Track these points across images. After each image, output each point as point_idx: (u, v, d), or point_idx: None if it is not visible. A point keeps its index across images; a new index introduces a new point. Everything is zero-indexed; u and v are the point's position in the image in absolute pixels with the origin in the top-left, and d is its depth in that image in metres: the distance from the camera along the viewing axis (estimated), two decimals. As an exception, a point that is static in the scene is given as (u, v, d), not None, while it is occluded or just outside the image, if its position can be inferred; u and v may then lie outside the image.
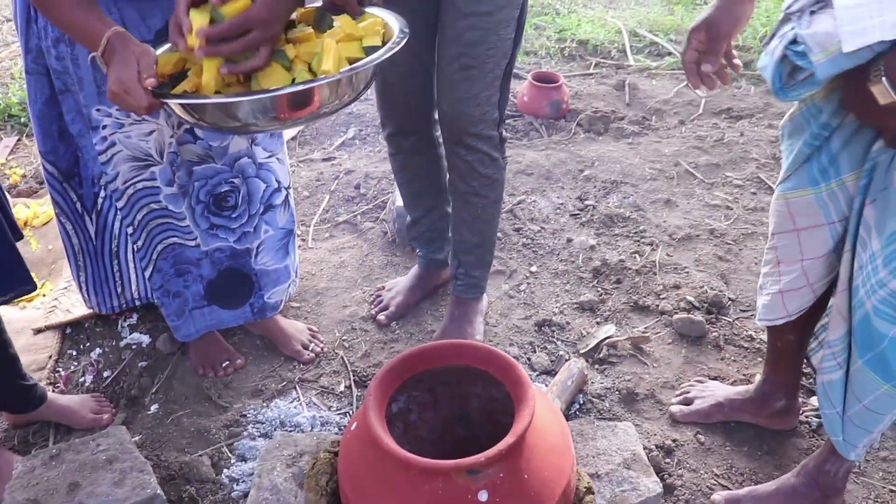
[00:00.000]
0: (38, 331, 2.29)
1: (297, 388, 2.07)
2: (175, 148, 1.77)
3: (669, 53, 3.91)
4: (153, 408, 2.04)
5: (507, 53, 1.83)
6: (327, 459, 1.51)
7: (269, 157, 1.95)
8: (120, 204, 1.81)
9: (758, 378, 1.89)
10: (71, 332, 2.29)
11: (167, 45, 1.45)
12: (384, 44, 1.39)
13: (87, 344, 2.25)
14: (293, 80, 1.33)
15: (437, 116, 2.00)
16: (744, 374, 2.05)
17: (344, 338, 2.24)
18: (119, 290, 2.06)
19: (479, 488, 1.23)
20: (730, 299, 2.30)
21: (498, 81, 1.85)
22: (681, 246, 2.55)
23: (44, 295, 2.47)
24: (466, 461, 1.20)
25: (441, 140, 2.05)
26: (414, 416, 1.66)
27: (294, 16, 1.45)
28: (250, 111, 1.30)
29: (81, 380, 2.16)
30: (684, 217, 2.69)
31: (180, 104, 1.32)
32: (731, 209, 2.73)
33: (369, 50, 1.37)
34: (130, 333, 2.27)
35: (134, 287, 2.06)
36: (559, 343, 2.17)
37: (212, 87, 1.32)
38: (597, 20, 4.22)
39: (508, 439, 1.23)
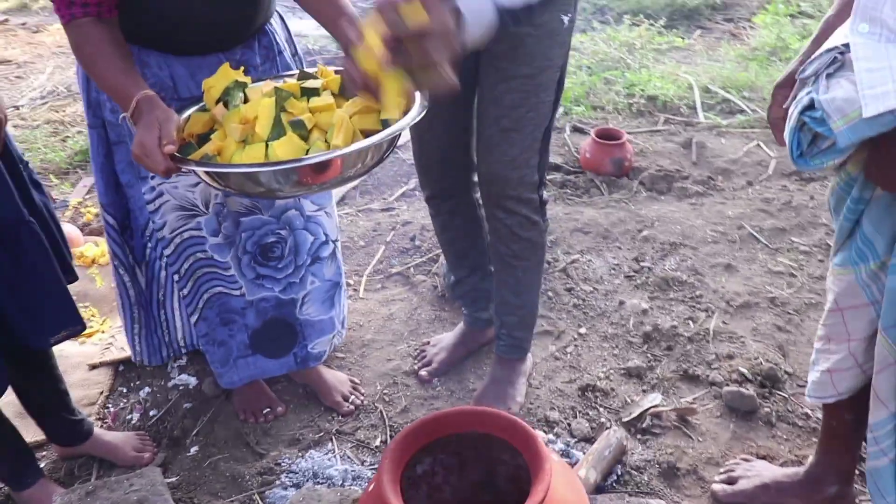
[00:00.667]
0: (93, 367, 2.37)
1: (334, 439, 2.07)
2: (221, 199, 1.82)
3: (741, 111, 3.83)
4: (193, 449, 2.07)
5: (546, 116, 1.83)
6: (345, 519, 1.50)
7: (318, 210, 1.98)
8: (167, 251, 1.86)
9: (810, 460, 1.79)
10: (123, 370, 2.35)
11: (199, 105, 1.50)
12: (405, 113, 1.40)
13: (137, 382, 2.31)
14: (307, 150, 1.35)
15: (476, 179, 2.01)
16: (796, 455, 1.95)
17: (385, 391, 2.23)
18: (166, 339, 2.10)
19: (487, 565, 1.19)
20: (786, 373, 2.20)
21: (537, 144, 1.85)
22: (738, 314, 2.46)
23: (102, 332, 2.56)
24: (472, 537, 1.17)
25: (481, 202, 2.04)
26: (439, 478, 1.63)
27: (319, 83, 1.48)
28: (268, 179, 1.33)
29: (129, 417, 2.21)
30: (744, 283, 2.59)
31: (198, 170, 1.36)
32: (795, 277, 2.63)
33: (385, 123, 1.38)
34: (179, 375, 2.32)
35: (180, 335, 2.10)
36: (601, 409, 2.11)
37: (233, 149, 1.35)
38: (668, 75, 4.17)
39: (518, 516, 1.19)
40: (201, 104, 1.53)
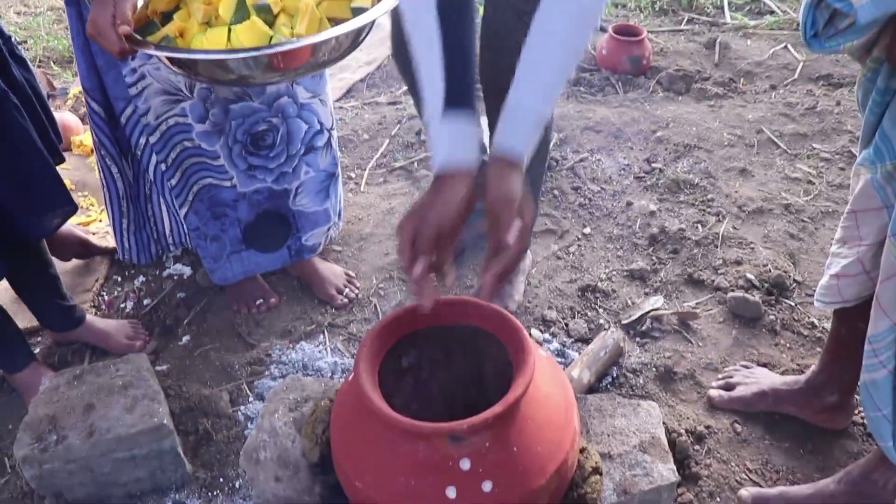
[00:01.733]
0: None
1: (326, 332, 2.04)
2: (208, 84, 1.71)
3: (771, 12, 3.62)
4: (185, 339, 2.05)
5: None
6: (327, 408, 1.47)
7: (312, 97, 1.88)
8: (153, 139, 1.77)
9: (812, 368, 1.73)
10: (118, 259, 2.31)
11: None
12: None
13: (132, 271, 2.28)
14: (270, 38, 1.27)
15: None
16: (797, 364, 1.89)
17: (380, 286, 2.18)
18: (155, 236, 2.04)
19: (462, 456, 1.15)
20: (795, 281, 2.12)
21: None
22: (749, 219, 2.36)
23: (100, 221, 2.51)
24: (447, 426, 1.13)
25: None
26: (425, 373, 1.59)
27: None
28: (236, 65, 1.25)
29: (123, 305, 2.18)
30: (759, 189, 2.49)
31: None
32: (813, 184, 2.52)
33: (356, 11, 1.31)
34: (173, 264, 2.28)
35: (168, 232, 2.03)
36: (601, 311, 2.05)
37: (195, 31, 1.27)
38: (696, -27, 3.94)
39: (496, 408, 1.15)
40: None
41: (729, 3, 3.70)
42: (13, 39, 1.72)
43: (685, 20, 3.60)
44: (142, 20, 1.31)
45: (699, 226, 2.33)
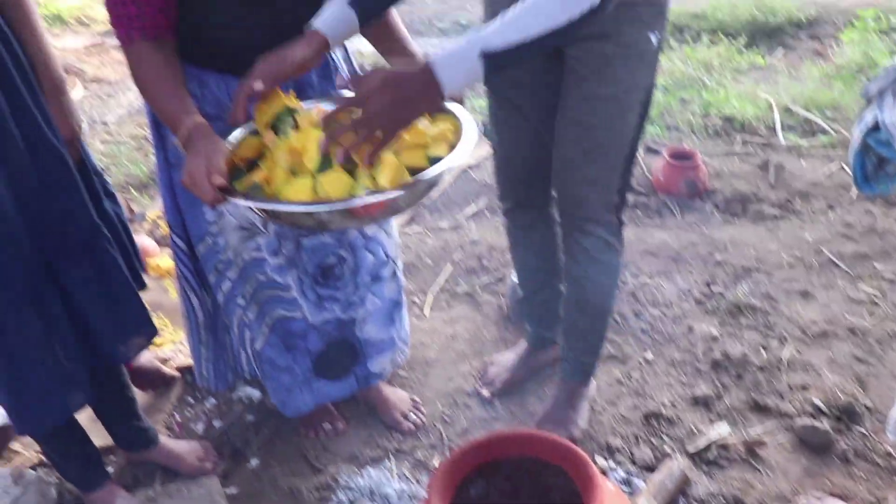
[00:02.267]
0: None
1: (392, 457, 2.07)
2: (288, 228, 1.82)
3: (824, 132, 3.69)
4: (253, 461, 2.10)
5: (630, 138, 1.77)
6: (396, 540, 1.49)
7: (378, 230, 1.98)
8: (231, 275, 1.87)
9: (890, 502, 1.69)
10: (192, 380, 2.40)
11: (248, 129, 1.51)
12: (453, 148, 1.40)
13: (204, 393, 2.36)
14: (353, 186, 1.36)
15: (554, 195, 1.97)
16: (874, 497, 1.85)
17: (445, 412, 2.22)
18: (231, 364, 2.10)
19: None
20: (865, 407, 2.09)
21: (619, 166, 1.79)
22: (814, 343, 2.35)
23: (174, 341, 2.63)
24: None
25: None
26: (493, 502, 1.61)
27: None
28: (317, 215, 1.35)
29: (194, 427, 2.26)
30: (821, 311, 2.49)
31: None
32: (878, 305, 2.50)
33: (433, 160, 1.38)
34: (243, 387, 2.36)
35: (244, 362, 2.09)
36: (666, 438, 2.05)
37: (281, 179, 1.37)
38: (746, 95, 4.06)
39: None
40: (252, 125, 1.55)
41: (781, 124, 3.78)
42: (104, 175, 1.87)
43: (738, 142, 3.69)
44: (228, 166, 1.40)
45: (762, 350, 2.33)
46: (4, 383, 1.59)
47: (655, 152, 3.55)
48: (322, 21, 1.49)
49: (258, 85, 1.40)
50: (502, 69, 1.32)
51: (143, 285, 1.90)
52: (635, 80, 1.69)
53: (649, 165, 3.42)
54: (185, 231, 1.87)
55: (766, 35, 4.93)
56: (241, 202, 1.36)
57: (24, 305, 1.57)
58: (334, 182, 1.34)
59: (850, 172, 1.82)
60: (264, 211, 1.41)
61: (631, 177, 1.88)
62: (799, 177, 3.32)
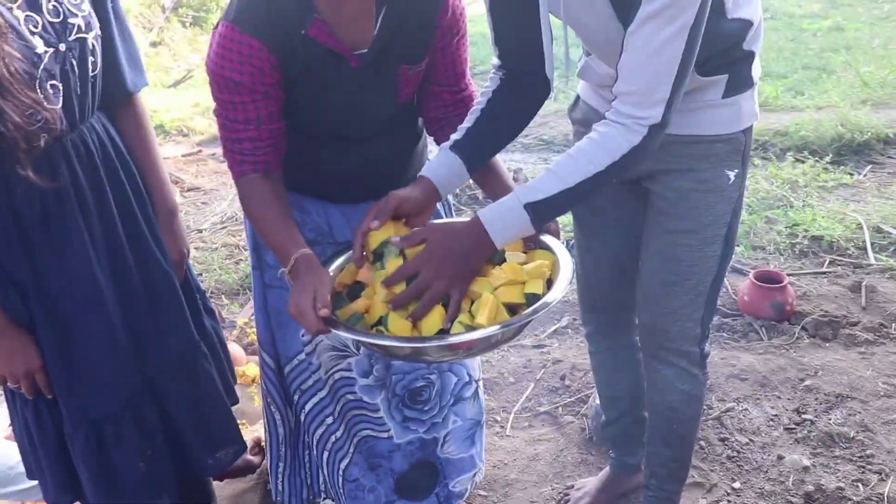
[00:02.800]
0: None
1: (472, 583, 2.05)
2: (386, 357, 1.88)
3: (917, 253, 3.60)
4: (333, 581, 2.11)
5: (712, 271, 1.79)
6: None
7: None
8: (322, 394, 1.93)
9: None
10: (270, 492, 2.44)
11: (348, 255, 1.59)
12: (550, 283, 1.45)
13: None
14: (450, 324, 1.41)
15: (637, 322, 2.00)
16: None
17: (526, 535, 2.20)
18: (308, 481, 2.14)
19: None
20: (974, 551, 1.97)
21: (702, 298, 1.81)
22: (915, 478, 2.25)
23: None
24: None
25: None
26: None
27: None
28: (414, 350, 1.41)
29: (271, 540, 2.29)
30: (923, 444, 2.38)
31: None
32: (984, 439, 2.39)
33: (530, 297, 1.43)
34: (320, 499, 2.38)
35: (321, 480, 2.12)
36: (757, 576, 1.97)
37: (380, 310, 1.44)
38: (834, 214, 4.01)
39: None
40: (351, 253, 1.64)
41: (872, 245, 3.71)
42: (205, 291, 1.99)
43: (826, 262, 3.62)
44: (331, 296, 1.47)
45: (860, 484, 2.23)
46: (98, 490, 1.68)
47: (741, 273, 3.52)
48: (430, 168, 1.61)
49: (375, 224, 1.49)
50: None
51: (235, 400, 1.99)
52: (715, 214, 1.73)
53: (735, 286, 3.39)
54: (274, 350, 1.96)
55: (852, 152, 4.88)
56: (345, 334, 1.43)
57: (124, 417, 1.68)
58: (430, 318, 1.40)
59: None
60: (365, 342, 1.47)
61: (714, 309, 1.89)
62: (892, 300, 3.23)
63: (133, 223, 1.68)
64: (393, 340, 1.40)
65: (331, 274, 1.53)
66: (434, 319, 1.40)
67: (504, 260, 1.49)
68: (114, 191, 1.63)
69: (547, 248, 1.55)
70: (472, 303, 1.44)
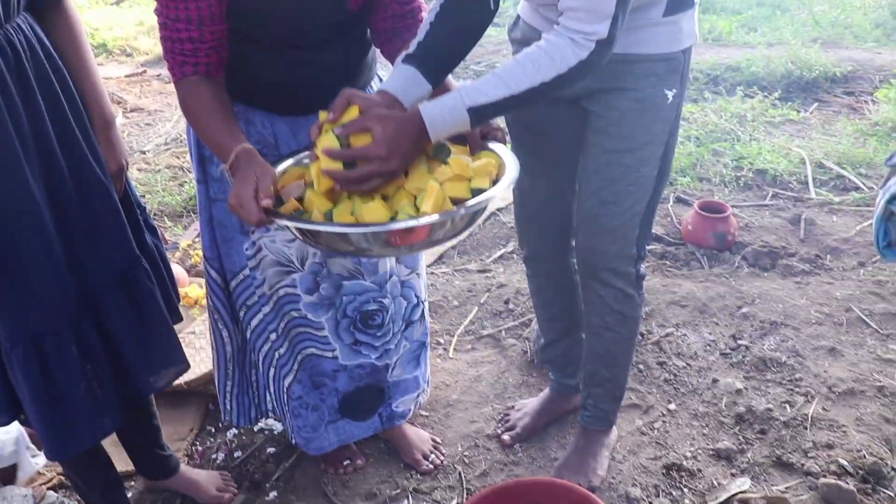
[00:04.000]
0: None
1: (410, 497, 2.08)
2: (321, 259, 1.86)
3: (856, 188, 3.67)
4: (272, 494, 2.12)
5: (648, 190, 1.80)
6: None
7: (410, 273, 2.01)
8: (266, 310, 1.91)
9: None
10: (213, 410, 2.44)
11: (292, 160, 1.58)
12: (495, 183, 1.43)
13: (225, 422, 2.39)
14: (396, 212, 1.40)
15: (574, 245, 2.00)
16: (897, 559, 1.82)
17: (465, 453, 2.22)
18: (255, 401, 2.13)
19: None
20: (893, 469, 2.06)
21: (638, 218, 1.83)
22: (841, 401, 2.33)
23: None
24: None
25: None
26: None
27: None
28: (357, 239, 1.38)
29: (214, 456, 2.28)
30: (849, 369, 2.46)
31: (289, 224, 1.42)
32: (908, 366, 2.48)
33: (476, 192, 1.42)
34: (266, 419, 2.38)
35: (268, 400, 2.11)
36: (686, 490, 2.03)
37: (315, 205, 1.41)
38: (779, 149, 4.06)
39: None
40: (297, 157, 1.60)
41: (814, 179, 3.77)
42: (147, 209, 1.93)
43: (769, 195, 3.68)
44: (273, 197, 1.44)
45: (787, 406, 2.31)
46: (39, 409, 1.63)
47: (686, 203, 3.56)
48: (386, 82, 1.55)
49: (330, 116, 1.45)
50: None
51: (178, 318, 1.94)
52: (652, 133, 1.74)
53: (679, 216, 3.43)
54: (221, 265, 1.92)
55: (800, 89, 4.93)
56: (285, 222, 1.40)
57: (63, 333, 1.62)
58: (374, 210, 1.38)
59: (873, 239, 1.85)
60: (305, 234, 1.44)
61: (650, 231, 1.91)
62: (830, 233, 3.30)
63: (66, 131, 1.58)
64: (332, 226, 1.39)
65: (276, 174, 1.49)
66: (378, 209, 1.39)
67: (448, 157, 1.47)
68: (44, 95, 1.54)
69: (492, 151, 1.54)
70: (417, 198, 1.43)
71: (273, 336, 1.95)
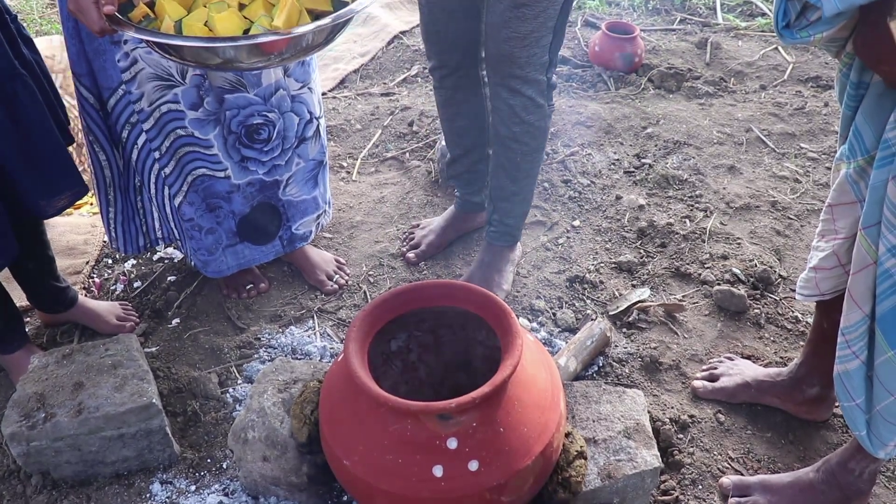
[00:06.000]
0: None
1: (315, 317, 2.05)
2: (202, 70, 1.71)
3: (762, 14, 3.66)
4: (174, 321, 2.05)
5: None
6: (316, 388, 1.48)
7: (302, 87, 1.88)
8: (147, 126, 1.76)
9: (794, 361, 1.76)
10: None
11: None
12: None
13: (123, 254, 2.28)
14: (251, 23, 1.31)
15: (483, 55, 1.90)
16: (781, 357, 1.92)
17: (370, 273, 2.20)
18: (143, 228, 2.02)
19: (449, 435, 1.17)
20: (780, 276, 2.15)
21: (551, 23, 1.74)
22: (737, 215, 2.39)
23: (90, 203, 2.52)
24: (436, 405, 1.15)
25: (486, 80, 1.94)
26: (414, 356, 1.61)
27: None
28: (221, 50, 1.27)
29: (113, 287, 2.19)
30: (746, 186, 2.52)
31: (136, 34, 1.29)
32: (800, 182, 2.55)
33: (336, 3, 1.34)
34: (164, 248, 2.28)
35: (157, 226, 2.02)
36: (588, 301, 2.08)
37: (167, 10, 1.28)
38: (689, -27, 3.97)
39: (484, 388, 1.17)
40: None
41: (721, 5, 3.73)
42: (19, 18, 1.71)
43: (678, 20, 3.63)
44: (118, 2, 1.32)
45: (687, 221, 2.35)
46: None
47: (594, 25, 3.47)
48: None
49: None
50: None
51: (70, 139, 1.77)
52: None
53: (587, 38, 3.35)
54: (92, 81, 1.74)
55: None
56: (132, 34, 1.27)
57: None
58: (227, 21, 1.28)
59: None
60: (159, 46, 1.32)
61: (562, 39, 1.83)
62: (735, 57, 3.30)
63: None
64: (178, 39, 1.28)
65: None
66: (231, 21, 1.28)
67: None
68: None
69: None
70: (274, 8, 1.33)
71: (157, 154, 1.81)
